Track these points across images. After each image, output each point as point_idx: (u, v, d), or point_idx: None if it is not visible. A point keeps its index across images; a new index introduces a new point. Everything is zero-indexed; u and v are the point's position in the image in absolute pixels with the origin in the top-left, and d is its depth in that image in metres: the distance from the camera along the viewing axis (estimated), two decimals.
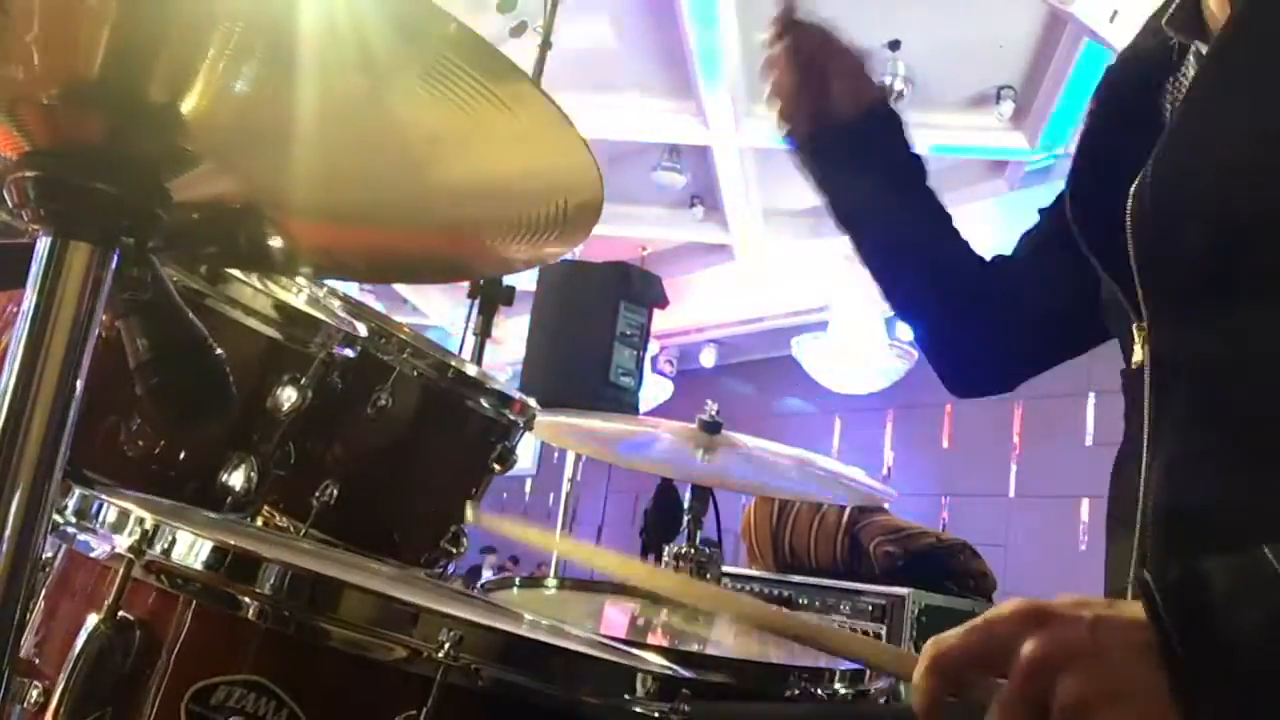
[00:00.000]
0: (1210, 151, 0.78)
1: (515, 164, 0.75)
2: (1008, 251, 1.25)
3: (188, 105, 0.69)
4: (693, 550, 1.97)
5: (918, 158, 1.29)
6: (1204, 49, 0.87)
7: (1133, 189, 0.81)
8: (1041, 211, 1.20)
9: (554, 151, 0.72)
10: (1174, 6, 0.91)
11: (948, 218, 1.27)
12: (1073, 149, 1.05)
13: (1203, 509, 0.78)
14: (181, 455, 1.28)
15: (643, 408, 4.47)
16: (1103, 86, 1.02)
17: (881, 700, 1.42)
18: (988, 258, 1.26)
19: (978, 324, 1.23)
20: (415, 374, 1.54)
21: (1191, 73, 0.89)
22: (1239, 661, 0.59)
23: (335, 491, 1.47)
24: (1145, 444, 0.83)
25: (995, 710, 0.63)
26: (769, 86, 1.27)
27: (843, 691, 1.33)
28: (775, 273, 7.65)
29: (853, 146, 1.27)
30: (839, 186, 1.30)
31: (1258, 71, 0.77)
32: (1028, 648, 0.62)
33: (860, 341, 6.48)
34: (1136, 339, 0.85)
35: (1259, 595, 0.60)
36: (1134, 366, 0.86)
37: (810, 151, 1.32)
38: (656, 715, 0.87)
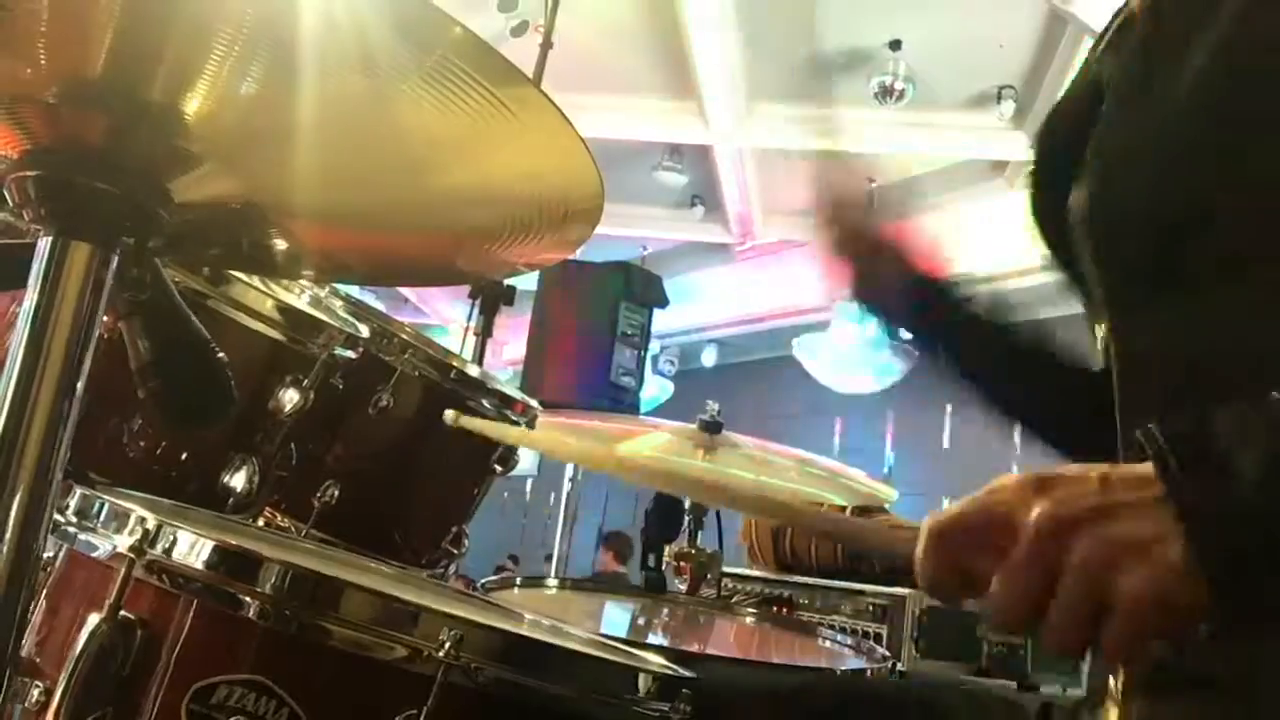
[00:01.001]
0: (1137, 148, 0.79)
1: (517, 168, 0.75)
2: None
3: (190, 106, 0.69)
4: (693, 550, 1.97)
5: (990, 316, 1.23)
6: None
7: (1072, 195, 0.82)
8: None
9: (555, 156, 0.72)
10: (1107, 38, 0.92)
11: (1051, 359, 1.19)
12: None
13: None
14: (183, 456, 1.28)
15: (643, 408, 4.47)
16: (1041, 134, 1.02)
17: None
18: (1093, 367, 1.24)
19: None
20: (417, 374, 1.54)
21: None
22: (1244, 504, 0.57)
23: (337, 492, 1.48)
24: (1119, 443, 0.83)
25: (1001, 577, 0.61)
26: (841, 283, 1.18)
27: None
28: (775, 273, 7.65)
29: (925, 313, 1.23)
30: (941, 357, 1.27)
31: (1168, 61, 0.77)
32: (1037, 509, 0.60)
33: (860, 341, 6.48)
34: (1097, 337, 0.85)
35: (1261, 436, 0.58)
36: (1106, 365, 0.86)
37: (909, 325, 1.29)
38: (656, 715, 0.87)
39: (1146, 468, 0.60)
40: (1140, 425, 0.80)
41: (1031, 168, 0.99)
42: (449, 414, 1.00)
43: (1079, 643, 0.60)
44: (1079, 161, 0.86)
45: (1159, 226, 0.76)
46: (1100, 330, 0.86)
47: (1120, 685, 0.78)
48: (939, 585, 0.65)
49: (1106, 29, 0.93)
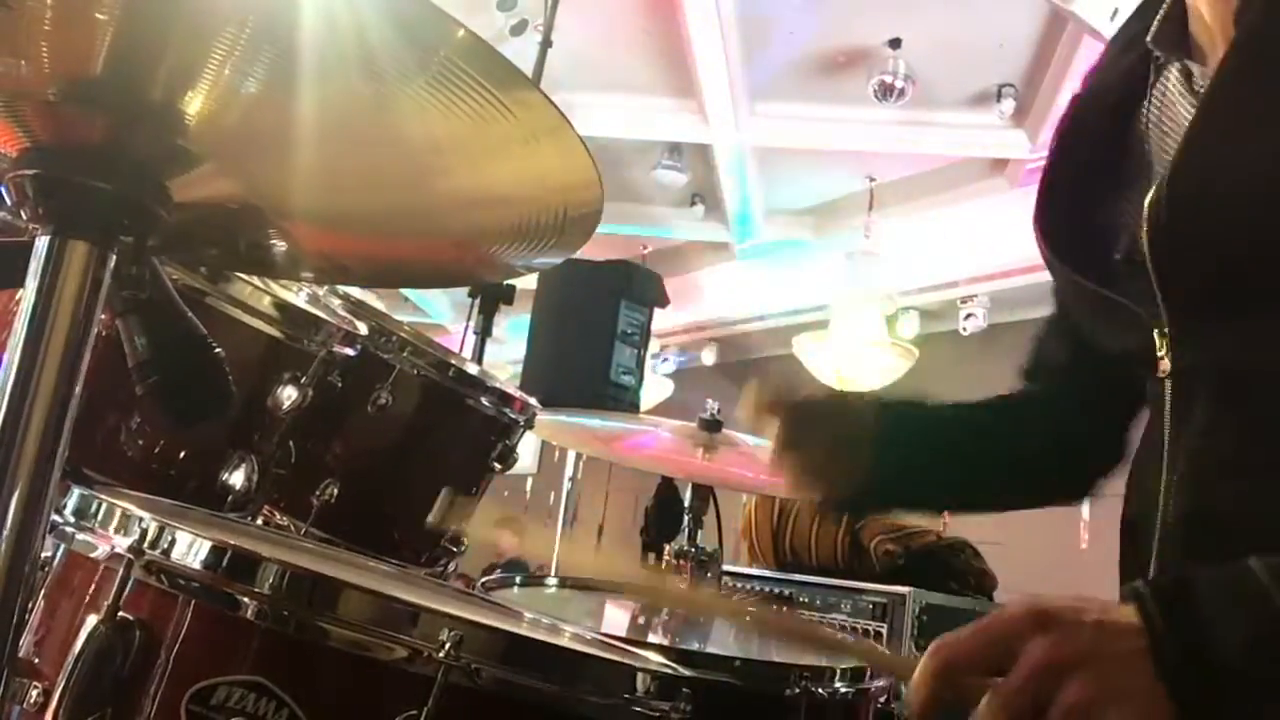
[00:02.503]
0: (1231, 165, 0.77)
1: (518, 171, 0.75)
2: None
3: (190, 106, 0.69)
4: (693, 549, 1.96)
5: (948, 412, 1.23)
6: (1192, 66, 0.87)
7: (1148, 200, 0.81)
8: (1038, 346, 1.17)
9: (557, 160, 0.71)
10: (1156, 25, 0.90)
11: (1003, 428, 1.20)
12: None
13: (1224, 517, 0.79)
14: (181, 454, 1.28)
15: (643, 406, 4.47)
16: (1070, 114, 1.01)
17: (881, 699, 1.42)
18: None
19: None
20: (416, 372, 1.54)
21: (1171, 88, 0.89)
22: (1226, 674, 0.62)
23: (335, 490, 1.47)
24: (1165, 453, 0.83)
25: (993, 702, 0.65)
26: (786, 469, 1.14)
27: (843, 690, 1.32)
28: (775, 272, 7.65)
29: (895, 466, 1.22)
30: (912, 499, 1.27)
31: (1273, 80, 0.76)
32: (1033, 650, 0.64)
33: (860, 341, 6.48)
34: (1160, 347, 0.85)
35: (1244, 610, 0.63)
36: (1160, 374, 0.85)
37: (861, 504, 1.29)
38: (656, 714, 0.87)
39: (1136, 620, 0.64)
40: (1194, 434, 0.81)
41: (1049, 165, 0.98)
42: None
43: None
44: (1121, 166, 0.85)
45: (1243, 245, 0.76)
46: (1159, 340, 0.85)
47: None
48: (931, 705, 0.69)
49: (1154, 13, 0.91)
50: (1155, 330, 0.85)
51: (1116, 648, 0.64)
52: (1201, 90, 0.84)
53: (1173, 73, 0.89)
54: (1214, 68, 0.82)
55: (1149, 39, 0.90)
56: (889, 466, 1.12)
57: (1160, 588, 0.65)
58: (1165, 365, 0.84)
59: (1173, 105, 0.88)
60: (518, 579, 1.86)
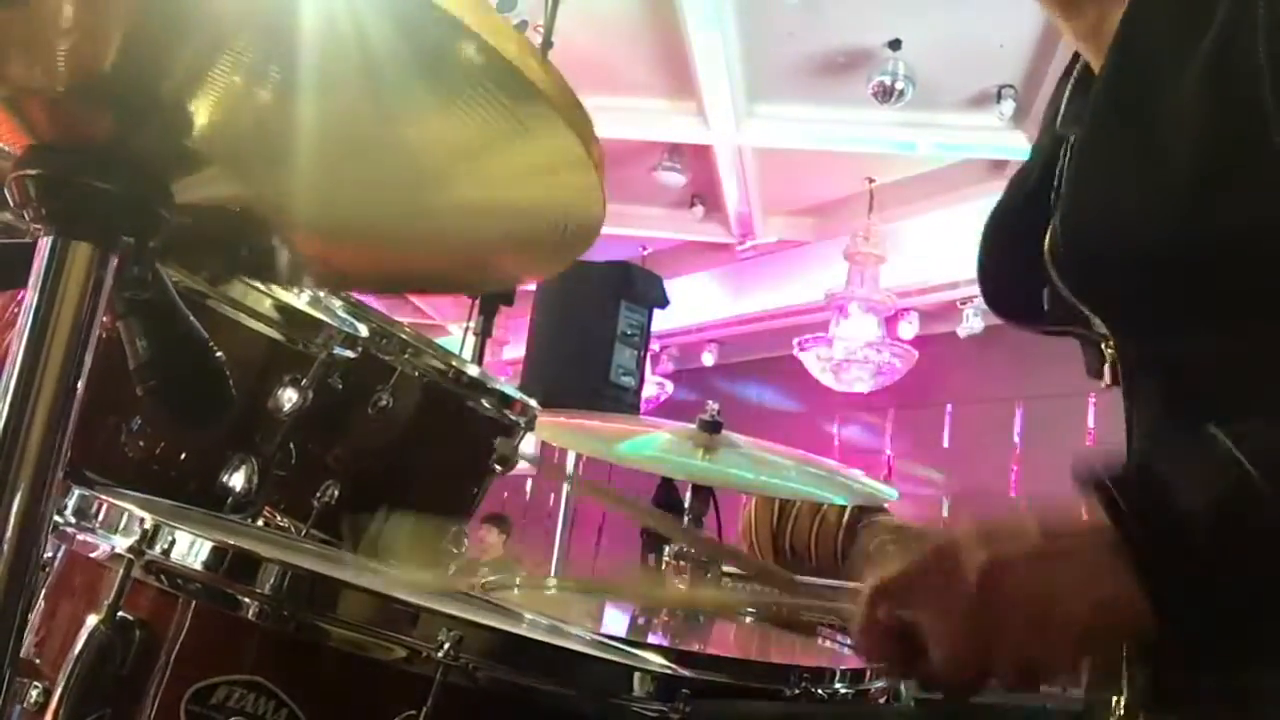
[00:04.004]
0: (1102, 192, 0.79)
1: (524, 183, 0.75)
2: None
3: (197, 108, 0.69)
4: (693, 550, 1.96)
5: None
6: None
7: (1046, 240, 0.82)
8: None
9: (565, 174, 0.71)
10: (1064, 107, 0.92)
11: None
12: None
13: None
14: (182, 456, 1.28)
15: (643, 408, 4.47)
16: (998, 206, 1.02)
17: (881, 700, 1.42)
18: None
19: None
20: (416, 374, 1.54)
21: None
22: (1193, 543, 0.61)
23: (336, 492, 1.47)
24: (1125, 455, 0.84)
25: (945, 628, 0.64)
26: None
27: (843, 691, 1.32)
28: (775, 273, 7.65)
29: None
30: None
31: (1135, 108, 0.77)
32: (979, 560, 0.63)
33: (860, 341, 6.48)
34: (1106, 358, 0.86)
35: (1207, 474, 0.62)
36: (1107, 385, 0.87)
37: None
38: (656, 715, 0.87)
39: (1083, 516, 0.64)
40: (1140, 434, 0.82)
41: (980, 262, 0.99)
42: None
43: (1027, 684, 0.64)
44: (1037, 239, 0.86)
45: (1131, 266, 0.76)
46: (1105, 352, 0.86)
47: (1124, 703, 0.78)
48: (875, 645, 0.68)
49: (1060, 101, 0.93)
50: (1101, 345, 0.87)
51: (1063, 545, 0.63)
52: None
53: None
54: None
55: (1058, 125, 0.91)
56: None
57: (1120, 472, 0.65)
58: (1106, 377, 0.86)
59: None
60: (517, 580, 1.86)
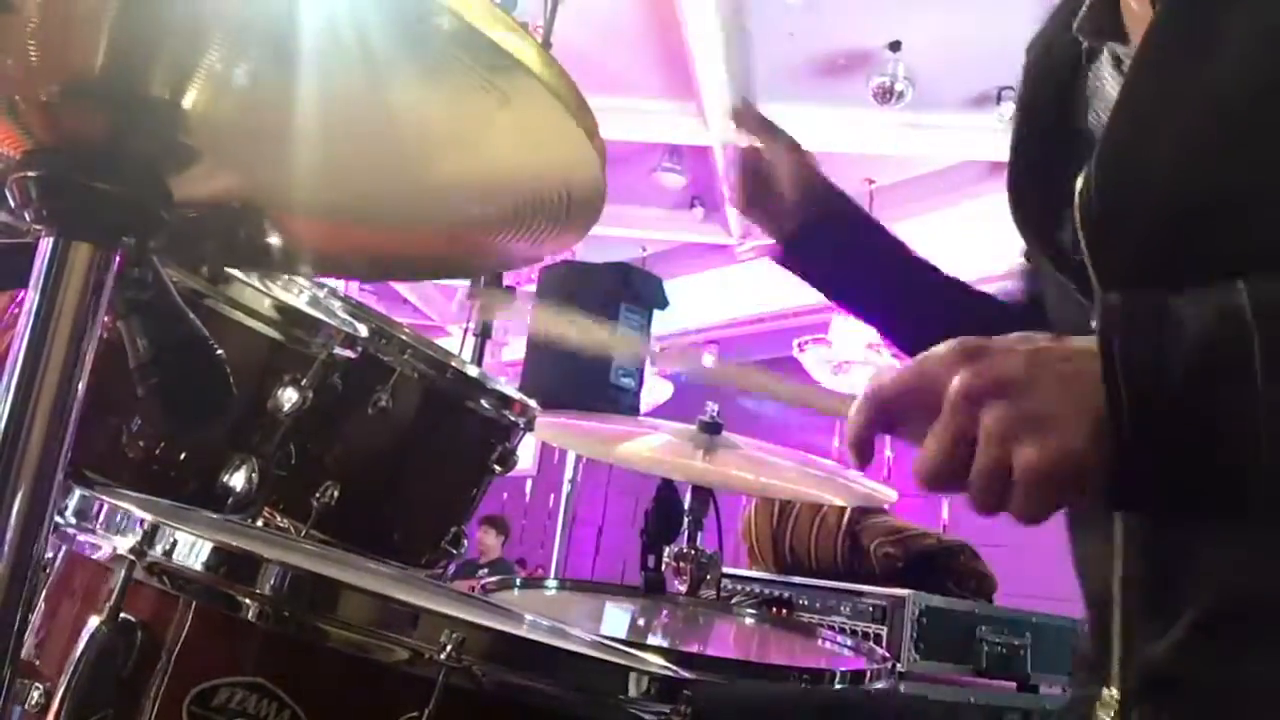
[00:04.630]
0: (1153, 138, 0.76)
1: (515, 157, 0.75)
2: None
3: (189, 102, 0.69)
4: (692, 551, 1.96)
5: (893, 239, 1.27)
6: (1120, 50, 0.85)
7: (1078, 189, 0.79)
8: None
9: (555, 144, 0.71)
10: (1084, 11, 0.88)
11: (955, 283, 1.24)
12: None
13: None
14: (182, 456, 1.28)
15: (643, 408, 4.47)
16: (1022, 83, 1.01)
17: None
18: (1007, 300, 1.22)
19: None
20: (416, 375, 1.54)
21: (1105, 72, 0.88)
22: (1175, 388, 0.59)
23: (336, 492, 1.47)
24: None
25: (926, 443, 0.64)
26: (732, 195, 1.22)
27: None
28: (775, 273, 7.65)
29: (834, 241, 1.26)
30: (837, 284, 1.28)
31: (1190, 54, 0.74)
32: (958, 379, 0.62)
33: (860, 342, 6.48)
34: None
35: (1204, 315, 0.60)
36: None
37: (793, 255, 1.30)
38: (656, 717, 0.87)
39: (1085, 343, 0.62)
40: None
41: (1014, 140, 0.98)
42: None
43: (991, 507, 0.62)
44: (1065, 140, 0.84)
45: (1167, 218, 0.74)
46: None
47: (1117, 694, 0.78)
48: (865, 445, 0.68)
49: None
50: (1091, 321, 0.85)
51: (1049, 372, 0.61)
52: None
53: (1104, 56, 0.88)
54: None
55: (1075, 27, 0.89)
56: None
57: (1128, 302, 0.63)
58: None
59: (1105, 88, 0.87)
60: (517, 581, 1.86)
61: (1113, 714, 0.77)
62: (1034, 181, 0.92)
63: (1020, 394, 0.61)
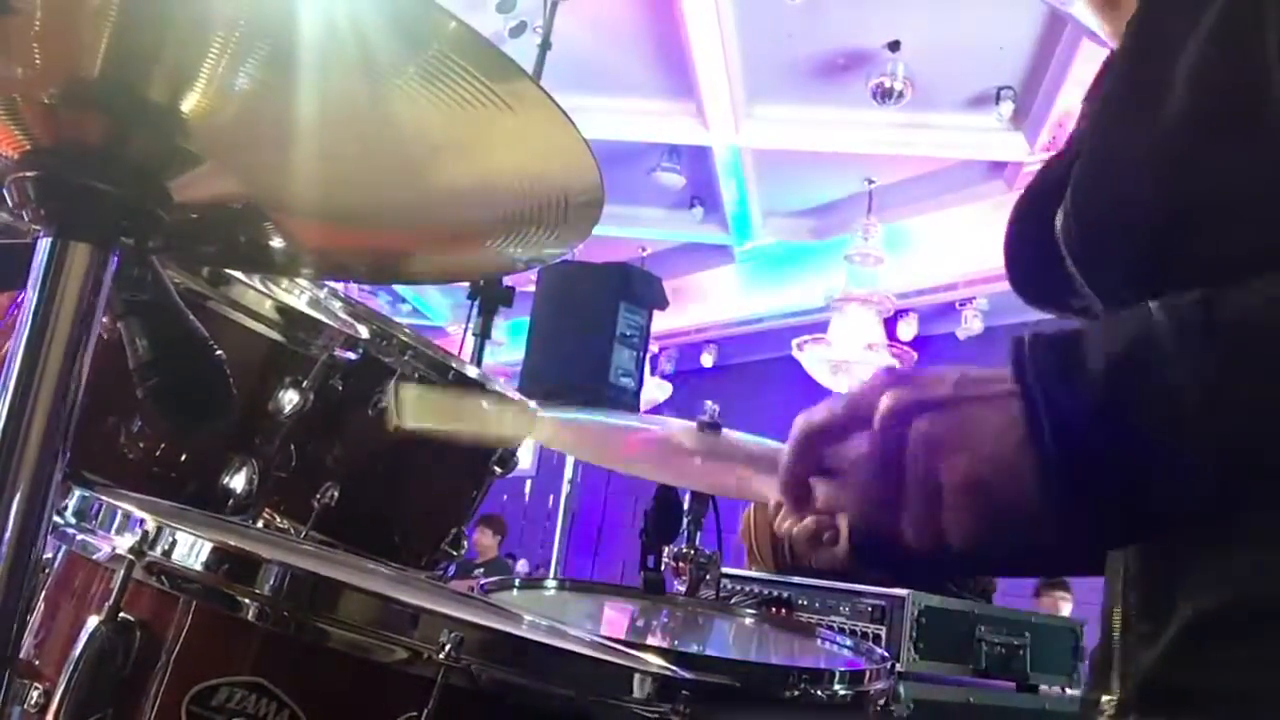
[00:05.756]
0: (1118, 159, 0.77)
1: (515, 163, 0.75)
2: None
3: (188, 105, 0.69)
4: (692, 551, 1.96)
5: None
6: None
7: (1060, 209, 0.81)
8: None
9: (554, 150, 0.71)
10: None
11: None
12: None
13: None
14: (182, 457, 1.28)
15: (642, 409, 4.47)
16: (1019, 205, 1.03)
17: (880, 701, 1.42)
18: None
19: None
20: (416, 376, 1.54)
21: None
22: (1082, 395, 0.59)
23: (336, 493, 1.47)
24: None
25: (854, 464, 0.64)
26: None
27: (842, 692, 1.32)
28: (775, 273, 7.66)
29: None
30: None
31: (1145, 75, 0.76)
32: (886, 400, 0.62)
33: (859, 342, 6.48)
34: None
35: (1117, 327, 0.60)
36: None
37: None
38: (656, 716, 0.87)
39: (1003, 370, 0.62)
40: None
41: (1009, 235, 0.99)
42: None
43: (927, 533, 0.61)
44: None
45: (1143, 235, 0.76)
46: None
47: (1116, 700, 0.78)
48: (798, 480, 0.67)
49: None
50: None
51: (974, 391, 0.61)
52: None
53: None
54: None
55: (1085, 97, 0.91)
56: None
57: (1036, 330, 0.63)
58: None
59: None
60: (517, 581, 1.86)
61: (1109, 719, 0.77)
62: (1028, 243, 0.93)
63: (947, 413, 0.61)
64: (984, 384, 0.62)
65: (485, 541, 7.59)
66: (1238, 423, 0.57)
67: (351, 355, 1.42)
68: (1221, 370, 0.57)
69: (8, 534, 0.68)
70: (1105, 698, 0.79)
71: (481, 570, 6.51)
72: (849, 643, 1.71)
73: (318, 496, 1.46)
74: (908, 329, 6.83)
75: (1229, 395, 0.57)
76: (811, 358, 6.73)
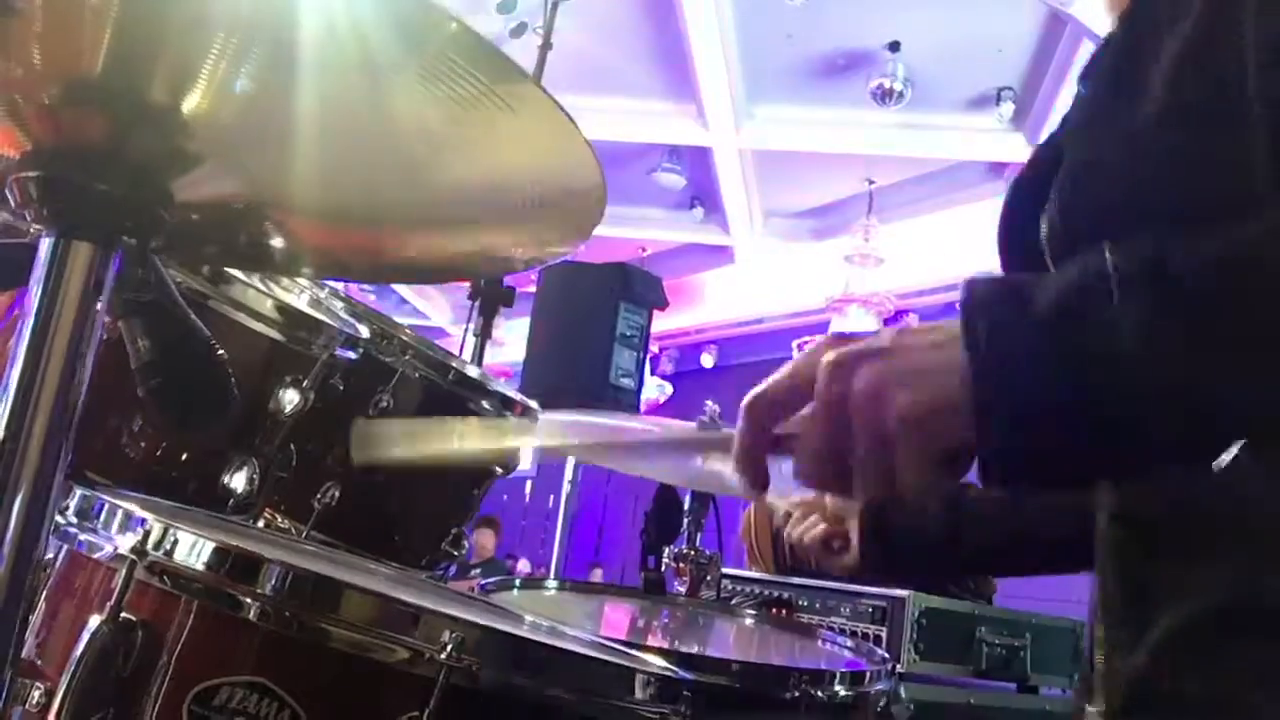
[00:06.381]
0: (1100, 159, 0.78)
1: (517, 164, 0.75)
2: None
3: (189, 105, 0.69)
4: (692, 552, 1.97)
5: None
6: None
7: (1044, 214, 0.81)
8: None
9: (556, 151, 0.72)
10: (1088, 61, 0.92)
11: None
12: None
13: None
14: (183, 456, 1.28)
15: (642, 409, 4.47)
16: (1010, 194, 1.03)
17: (881, 702, 1.42)
18: None
19: None
20: (417, 375, 1.54)
21: None
22: (1029, 340, 0.59)
23: (337, 493, 1.47)
24: None
25: (803, 429, 0.64)
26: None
27: (843, 693, 1.32)
28: (775, 274, 7.65)
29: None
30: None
31: (1130, 71, 0.77)
32: (827, 355, 0.63)
33: None
34: None
35: (1066, 274, 0.60)
36: None
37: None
38: (657, 717, 0.87)
39: (952, 323, 0.62)
40: None
41: (1001, 226, 0.99)
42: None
43: (875, 485, 0.62)
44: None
45: (1127, 229, 0.76)
46: None
47: (1101, 708, 0.78)
48: (751, 456, 0.67)
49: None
50: None
51: (914, 341, 0.62)
52: None
53: None
54: None
55: (1080, 76, 0.92)
56: None
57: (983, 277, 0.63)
58: None
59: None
60: (517, 581, 1.86)
61: None
62: (1017, 245, 0.94)
63: (890, 357, 0.62)
64: (924, 332, 0.63)
65: (482, 542, 7.60)
66: (1174, 370, 0.57)
67: (352, 355, 1.42)
68: (1159, 319, 0.57)
69: (10, 534, 0.68)
70: (1090, 708, 0.79)
71: (479, 571, 6.51)
72: (849, 643, 1.71)
73: (318, 496, 1.46)
74: None
75: (1165, 343, 0.57)
76: None
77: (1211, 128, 0.69)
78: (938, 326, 0.63)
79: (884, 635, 2.26)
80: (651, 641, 1.63)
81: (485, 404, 1.63)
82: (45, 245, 0.71)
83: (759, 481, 0.68)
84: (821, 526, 1.30)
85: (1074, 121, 0.84)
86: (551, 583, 1.94)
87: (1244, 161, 0.66)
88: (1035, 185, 0.88)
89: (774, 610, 2.41)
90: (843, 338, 0.64)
